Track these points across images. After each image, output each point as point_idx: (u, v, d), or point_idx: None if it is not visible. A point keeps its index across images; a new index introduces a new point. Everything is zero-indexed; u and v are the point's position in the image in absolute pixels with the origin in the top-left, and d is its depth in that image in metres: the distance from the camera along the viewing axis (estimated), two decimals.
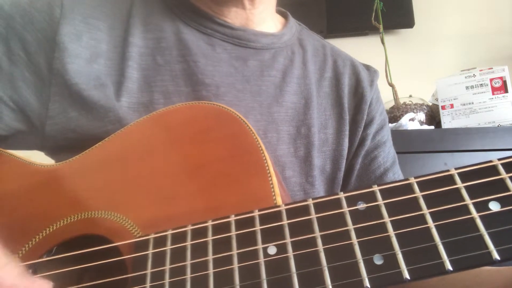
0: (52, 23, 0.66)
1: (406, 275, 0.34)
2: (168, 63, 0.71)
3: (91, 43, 0.68)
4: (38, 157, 0.68)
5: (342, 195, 0.41)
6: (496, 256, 0.33)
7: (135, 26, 0.72)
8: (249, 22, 0.79)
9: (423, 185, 0.38)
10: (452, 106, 1.67)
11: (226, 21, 0.77)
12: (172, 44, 0.73)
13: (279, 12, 0.90)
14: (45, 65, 0.66)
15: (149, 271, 0.44)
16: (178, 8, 0.77)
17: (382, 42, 1.86)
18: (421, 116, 1.69)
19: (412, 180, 0.39)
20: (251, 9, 0.78)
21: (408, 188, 0.39)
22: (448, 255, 0.34)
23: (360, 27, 2.23)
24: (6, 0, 0.68)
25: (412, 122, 1.63)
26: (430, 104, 1.78)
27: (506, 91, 1.63)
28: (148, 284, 0.43)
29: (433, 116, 1.74)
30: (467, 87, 1.68)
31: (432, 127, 1.68)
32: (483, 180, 0.36)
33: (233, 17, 0.78)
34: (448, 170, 0.38)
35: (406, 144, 1.44)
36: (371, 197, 0.40)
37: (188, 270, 0.42)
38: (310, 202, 0.42)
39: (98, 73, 0.67)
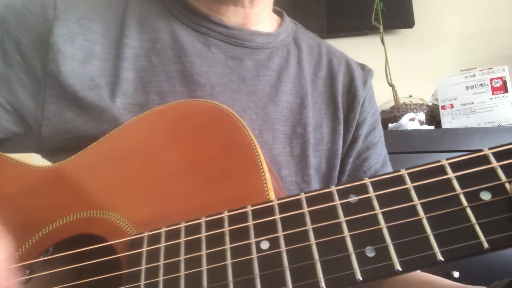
0: (46, 25, 0.67)
1: (398, 267, 0.34)
2: (164, 64, 0.71)
3: (84, 45, 0.68)
4: (35, 160, 0.68)
5: (333, 189, 0.41)
6: (486, 245, 0.32)
7: (130, 27, 0.72)
8: (247, 21, 0.79)
9: (414, 177, 0.38)
10: (452, 106, 1.67)
11: (222, 20, 0.77)
12: (167, 45, 0.73)
13: (274, 11, 0.90)
14: (40, 67, 0.66)
15: (143, 267, 0.44)
16: (174, 6, 0.77)
17: (382, 42, 1.86)
18: (421, 116, 1.69)
19: (403, 172, 0.39)
20: (250, 8, 0.78)
21: (400, 180, 0.38)
22: (439, 246, 0.34)
23: (360, 27, 2.23)
24: (0, 3, 0.68)
25: (412, 122, 1.63)
26: (430, 104, 1.78)
27: (506, 91, 1.63)
28: (142, 282, 0.43)
29: (433, 116, 1.74)
30: (467, 87, 1.68)
31: (432, 127, 1.68)
32: (474, 170, 0.36)
33: (231, 15, 0.78)
34: (439, 161, 0.38)
35: (406, 144, 1.44)
36: (363, 189, 0.39)
37: (182, 266, 0.42)
38: (302, 196, 0.42)
39: (92, 74, 0.67)
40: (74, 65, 0.66)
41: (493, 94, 1.64)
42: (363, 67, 0.90)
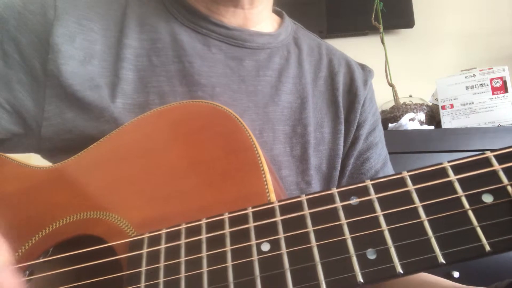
0: (45, 25, 0.66)
1: (399, 269, 0.34)
2: (164, 64, 0.71)
3: (85, 44, 0.68)
4: (34, 160, 0.68)
5: (335, 191, 0.41)
6: (488, 248, 0.32)
7: (130, 27, 0.72)
8: (247, 22, 0.79)
9: (416, 179, 0.38)
10: (452, 106, 1.67)
11: (222, 21, 0.77)
12: (167, 45, 0.73)
13: (275, 11, 0.90)
14: (39, 67, 0.66)
15: (143, 269, 0.44)
16: (174, 8, 0.77)
17: (382, 42, 1.86)
18: (421, 116, 1.68)
19: (405, 174, 0.39)
20: (250, 9, 0.78)
21: (401, 182, 0.38)
22: (441, 249, 0.34)
23: (360, 27, 2.23)
24: (0, 4, 0.68)
25: (412, 122, 1.63)
26: (430, 104, 1.78)
27: (506, 91, 1.63)
28: (142, 284, 0.43)
29: (433, 116, 1.74)
30: (467, 87, 1.68)
31: (432, 127, 1.68)
32: (476, 172, 0.36)
33: (231, 16, 0.78)
34: (441, 163, 0.38)
35: (406, 144, 1.44)
36: (364, 192, 0.39)
37: (182, 268, 0.42)
38: (303, 198, 0.41)
39: (92, 74, 0.67)
40: (74, 65, 0.66)
41: (493, 94, 1.64)
42: (363, 67, 0.90)
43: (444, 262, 0.33)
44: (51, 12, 0.67)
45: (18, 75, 0.66)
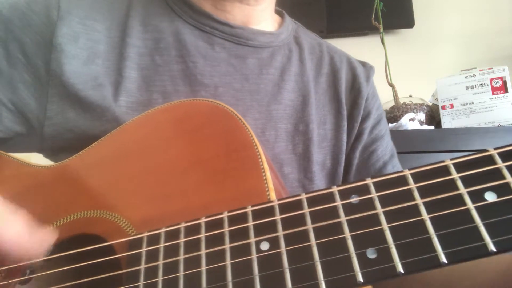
0: (49, 25, 0.67)
1: (400, 269, 0.34)
2: (167, 63, 0.72)
3: (88, 44, 0.68)
4: (37, 159, 0.68)
5: (335, 189, 0.40)
6: (492, 247, 0.32)
7: (133, 27, 0.73)
8: (250, 19, 0.80)
9: (417, 177, 0.38)
10: (452, 106, 1.67)
11: (226, 18, 0.78)
12: (170, 44, 0.73)
13: (275, 11, 0.91)
14: (43, 67, 0.67)
15: (142, 267, 0.44)
16: (177, 6, 0.77)
17: (382, 42, 1.86)
18: (421, 116, 1.68)
19: (407, 172, 0.38)
20: (255, 5, 0.78)
21: (402, 180, 0.38)
22: (443, 248, 0.33)
23: (360, 27, 2.23)
24: (5, 4, 0.68)
25: (412, 122, 1.63)
26: (430, 104, 1.78)
27: (506, 91, 1.63)
28: (141, 282, 0.43)
29: (433, 116, 1.74)
30: (467, 87, 1.68)
31: (432, 127, 1.68)
32: (479, 170, 0.36)
33: (236, 13, 0.78)
34: (443, 161, 0.37)
35: (406, 144, 1.44)
36: (365, 190, 0.39)
37: (181, 267, 0.42)
38: (303, 196, 0.41)
39: (95, 73, 0.67)
40: (77, 65, 0.66)
41: (493, 94, 1.64)
42: (364, 64, 0.91)
43: (446, 261, 0.32)
44: (54, 13, 0.68)
45: (21, 75, 0.67)
